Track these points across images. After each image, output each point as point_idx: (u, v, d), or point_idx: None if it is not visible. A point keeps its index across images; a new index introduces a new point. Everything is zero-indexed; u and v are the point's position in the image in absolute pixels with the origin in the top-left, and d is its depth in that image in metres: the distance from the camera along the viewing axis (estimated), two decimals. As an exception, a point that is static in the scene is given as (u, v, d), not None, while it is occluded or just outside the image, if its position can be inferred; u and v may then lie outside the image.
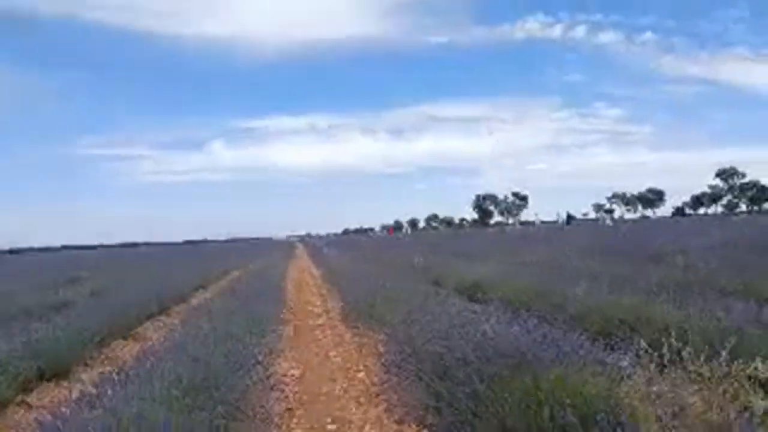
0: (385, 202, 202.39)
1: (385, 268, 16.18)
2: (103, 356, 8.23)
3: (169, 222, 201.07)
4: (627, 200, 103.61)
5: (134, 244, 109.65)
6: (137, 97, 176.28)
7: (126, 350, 8.67)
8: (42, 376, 6.58)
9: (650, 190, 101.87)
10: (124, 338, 9.35)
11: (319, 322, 9.94)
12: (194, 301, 12.99)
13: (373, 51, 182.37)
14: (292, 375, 6.31)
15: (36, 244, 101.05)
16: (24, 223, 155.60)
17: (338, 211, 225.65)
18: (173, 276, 17.07)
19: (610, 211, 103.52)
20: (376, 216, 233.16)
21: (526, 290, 9.12)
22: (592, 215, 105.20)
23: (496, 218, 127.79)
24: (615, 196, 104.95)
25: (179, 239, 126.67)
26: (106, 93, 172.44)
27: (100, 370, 7.49)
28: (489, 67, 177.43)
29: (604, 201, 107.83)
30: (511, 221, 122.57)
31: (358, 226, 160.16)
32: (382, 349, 6.74)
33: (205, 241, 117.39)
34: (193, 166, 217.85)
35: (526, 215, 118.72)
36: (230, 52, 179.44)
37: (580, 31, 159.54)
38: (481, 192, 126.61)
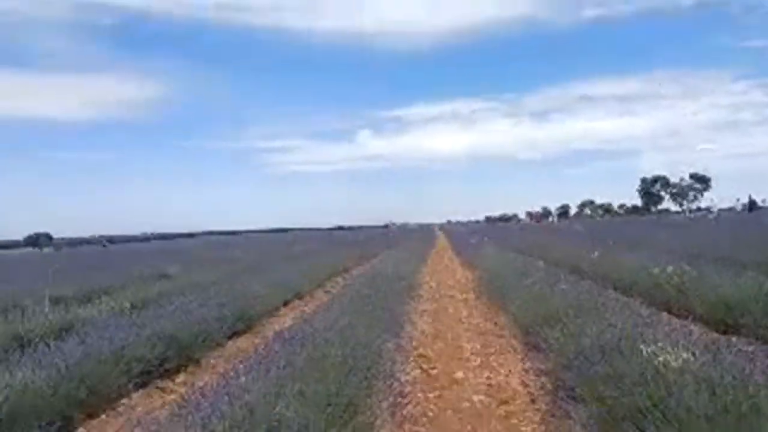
0: (529, 188, 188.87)
1: (578, 276, 9.44)
2: None
3: (319, 209, 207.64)
4: None
5: (285, 230, 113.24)
6: (290, 92, 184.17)
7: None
8: None
9: None
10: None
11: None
12: (258, 340, 7.50)
13: (516, 32, 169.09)
14: None
15: (208, 228, 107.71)
16: (199, 209, 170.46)
17: (480, 198, 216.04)
18: (269, 279, 12.03)
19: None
20: (519, 203, 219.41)
21: None
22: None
23: (665, 204, 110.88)
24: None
25: (329, 225, 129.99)
26: (263, 90, 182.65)
27: None
28: (649, 37, 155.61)
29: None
30: (683, 207, 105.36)
31: (501, 214, 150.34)
32: None
33: (351, 228, 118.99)
34: (341, 155, 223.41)
35: (703, 201, 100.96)
36: (374, 43, 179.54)
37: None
38: (643, 175, 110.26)
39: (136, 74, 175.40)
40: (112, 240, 78.06)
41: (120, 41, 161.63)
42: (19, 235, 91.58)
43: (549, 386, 4.64)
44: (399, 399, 4.72)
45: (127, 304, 9.21)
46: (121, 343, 5.45)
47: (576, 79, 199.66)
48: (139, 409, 4.98)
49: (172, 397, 5.23)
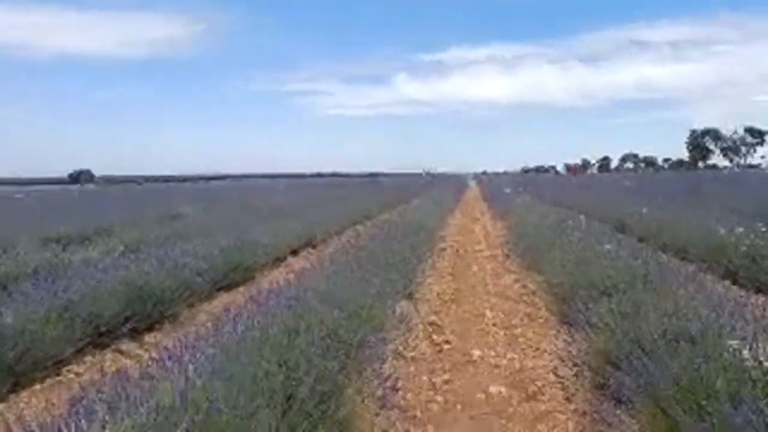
0: (569, 139, 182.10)
1: (624, 235, 8.17)
2: None
3: (354, 155, 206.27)
4: None
5: (320, 175, 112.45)
6: (327, 35, 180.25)
7: None
8: None
9: None
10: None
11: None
12: (253, 294, 6.59)
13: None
14: None
15: (244, 171, 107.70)
16: (230, 152, 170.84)
17: (517, 148, 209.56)
18: (285, 224, 11.20)
19: None
20: (558, 154, 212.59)
21: None
22: None
23: (714, 160, 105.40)
24: None
25: (363, 171, 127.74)
26: (300, 32, 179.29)
27: None
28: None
29: None
30: (733, 163, 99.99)
31: (538, 165, 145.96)
32: None
33: (385, 175, 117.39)
34: (377, 100, 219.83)
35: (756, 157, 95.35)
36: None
37: None
38: (696, 127, 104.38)
39: (178, 12, 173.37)
40: (148, 179, 79.78)
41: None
42: (65, 173, 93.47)
43: (590, 379, 3.57)
44: (395, 385, 3.74)
45: (121, 247, 8.50)
46: (73, 295, 4.60)
47: (627, 22, 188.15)
48: (86, 377, 4.16)
49: (131, 362, 4.40)
